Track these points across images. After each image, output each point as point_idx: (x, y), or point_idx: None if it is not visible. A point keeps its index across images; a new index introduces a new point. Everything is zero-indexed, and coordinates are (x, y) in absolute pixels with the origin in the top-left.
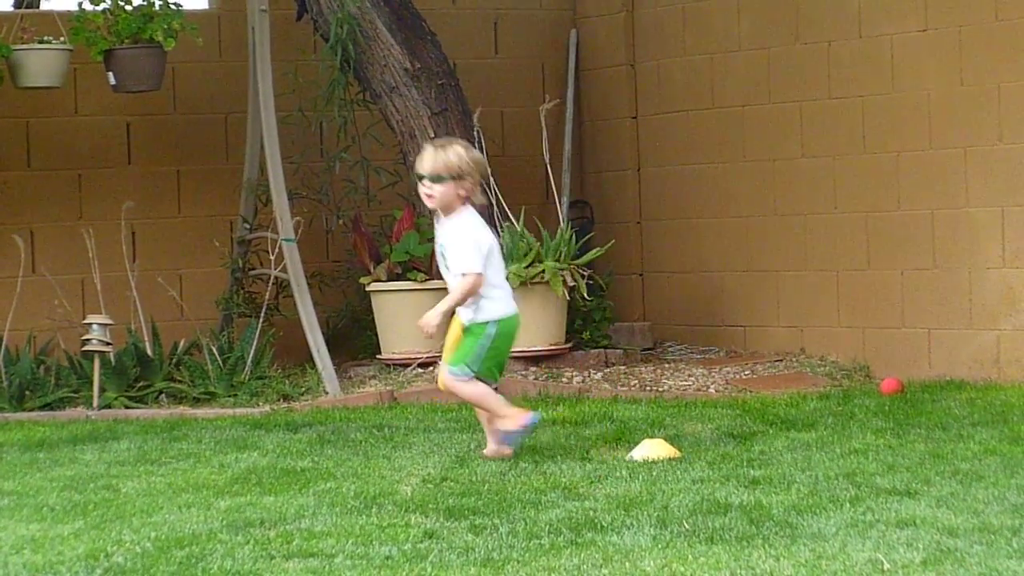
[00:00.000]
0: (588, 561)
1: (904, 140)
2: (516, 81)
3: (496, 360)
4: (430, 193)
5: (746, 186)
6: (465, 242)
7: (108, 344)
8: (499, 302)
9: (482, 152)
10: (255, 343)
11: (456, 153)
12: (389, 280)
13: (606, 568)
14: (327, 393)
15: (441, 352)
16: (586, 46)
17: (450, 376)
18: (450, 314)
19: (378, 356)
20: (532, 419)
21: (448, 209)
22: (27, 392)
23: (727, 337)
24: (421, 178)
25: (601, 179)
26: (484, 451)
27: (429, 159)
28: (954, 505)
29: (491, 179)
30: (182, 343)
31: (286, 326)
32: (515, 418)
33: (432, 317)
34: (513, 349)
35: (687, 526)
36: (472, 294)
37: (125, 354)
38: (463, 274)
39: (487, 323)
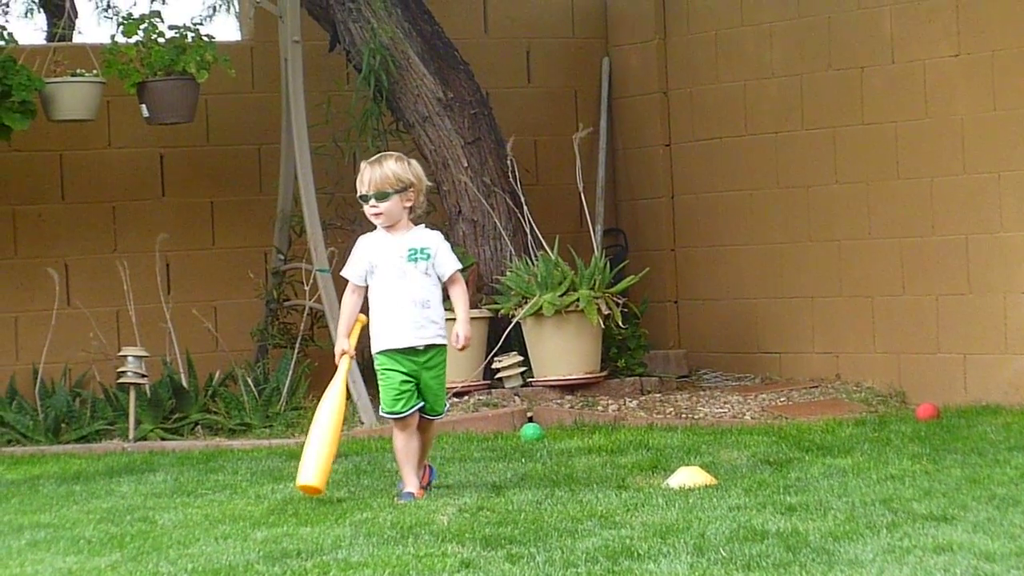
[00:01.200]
0: None
1: (938, 165)
2: (549, 110)
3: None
4: (379, 211)
5: (780, 212)
6: (443, 244)
7: (143, 376)
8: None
9: (516, 181)
10: (290, 374)
11: (392, 166)
12: None
13: None
14: (363, 423)
15: (475, 381)
16: (619, 74)
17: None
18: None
19: None
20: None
21: (396, 223)
22: (63, 424)
23: (762, 364)
24: (366, 199)
25: (635, 207)
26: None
27: (368, 177)
28: (991, 530)
29: (525, 208)
30: (217, 374)
31: (321, 357)
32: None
33: (466, 329)
34: (548, 377)
35: (724, 553)
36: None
37: (161, 386)
38: (459, 270)
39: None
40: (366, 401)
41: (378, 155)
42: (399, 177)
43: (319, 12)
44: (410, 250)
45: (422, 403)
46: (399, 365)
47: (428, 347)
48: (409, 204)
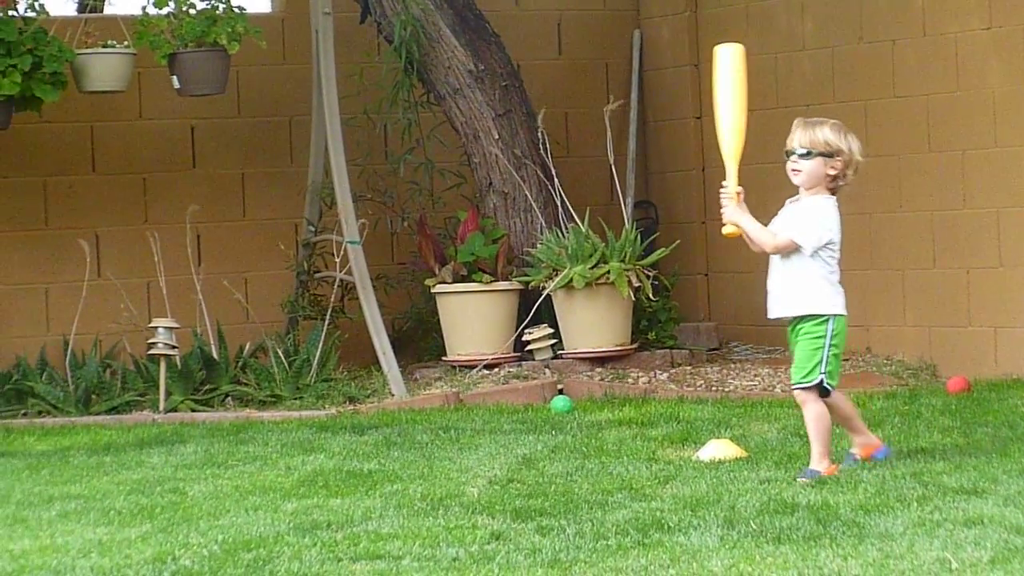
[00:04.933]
0: (655, 562)
1: (969, 139)
2: (580, 82)
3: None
4: (797, 168)
5: None
6: (811, 217)
7: (174, 347)
8: (840, 296)
9: (546, 153)
10: (320, 346)
11: (826, 131)
12: (454, 282)
13: (673, 569)
14: (393, 395)
15: (505, 353)
16: (650, 46)
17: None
18: (740, 222)
19: (443, 358)
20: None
21: (811, 188)
22: (93, 396)
23: None
24: (790, 155)
25: (665, 179)
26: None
27: (798, 134)
28: (1021, 503)
29: (555, 180)
30: (248, 346)
31: (351, 328)
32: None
33: (733, 210)
34: (578, 349)
35: (754, 526)
36: (777, 251)
37: (191, 357)
38: (789, 238)
39: (828, 318)
40: (396, 372)
41: (816, 118)
42: (828, 142)
43: None
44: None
45: None
46: None
47: None
48: (833, 172)
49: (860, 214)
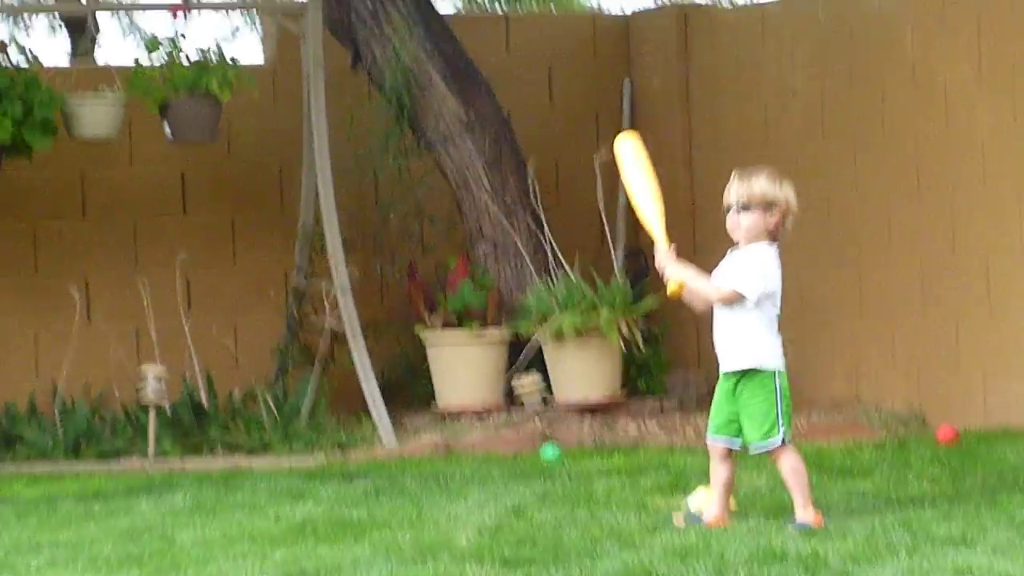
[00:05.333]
0: None
1: (958, 183)
2: (570, 130)
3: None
4: (737, 222)
5: (800, 231)
6: (753, 268)
7: (163, 394)
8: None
9: (537, 201)
10: (310, 393)
11: (762, 182)
12: (444, 329)
13: None
14: (382, 443)
15: (495, 402)
16: (640, 95)
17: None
18: (684, 278)
19: (433, 406)
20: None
21: (751, 240)
22: (82, 443)
23: None
24: (728, 208)
25: None
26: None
27: (736, 187)
28: (1010, 553)
29: (546, 228)
30: (237, 393)
31: (341, 376)
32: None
33: (674, 268)
34: (568, 398)
35: (743, 575)
36: (722, 302)
37: (180, 404)
38: (732, 288)
39: (774, 372)
40: (386, 420)
41: (752, 169)
42: (766, 193)
43: (341, 31)
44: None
45: None
46: None
47: None
48: (772, 223)
49: (849, 262)
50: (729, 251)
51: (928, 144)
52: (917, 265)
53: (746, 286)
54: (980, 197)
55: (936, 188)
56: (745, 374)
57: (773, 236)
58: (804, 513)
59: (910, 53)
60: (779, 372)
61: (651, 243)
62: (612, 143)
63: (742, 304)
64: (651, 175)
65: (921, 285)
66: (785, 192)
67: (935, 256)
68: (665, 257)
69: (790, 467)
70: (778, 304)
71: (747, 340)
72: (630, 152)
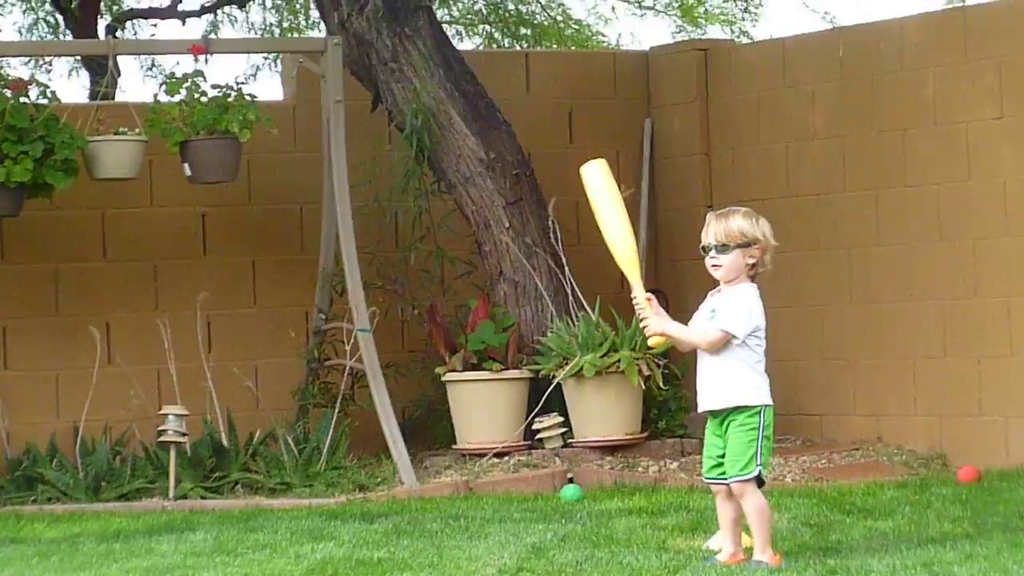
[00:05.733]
0: None
1: (980, 228)
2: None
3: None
4: (717, 263)
5: (822, 274)
6: (738, 306)
7: (184, 434)
8: (767, 386)
9: (557, 242)
10: (331, 433)
11: (738, 221)
12: (465, 370)
13: None
14: (403, 483)
15: (515, 442)
16: (661, 135)
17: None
18: (665, 330)
19: (454, 446)
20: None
21: (732, 279)
22: (103, 483)
23: (803, 426)
24: (707, 250)
25: (676, 267)
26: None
27: (712, 228)
28: None
29: (566, 268)
30: (258, 433)
31: (362, 416)
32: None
33: (655, 321)
34: (588, 438)
35: None
36: (712, 346)
37: (201, 445)
38: (721, 329)
39: (759, 409)
40: (407, 461)
41: (726, 208)
42: (744, 232)
43: (361, 72)
44: (711, 310)
45: None
46: None
47: None
48: (752, 261)
49: (870, 303)
50: (709, 294)
51: (950, 186)
52: (938, 306)
53: (734, 325)
54: (1002, 240)
55: (958, 230)
56: (732, 411)
57: (753, 274)
58: (763, 554)
59: (931, 96)
60: (765, 408)
61: (671, 283)
62: (630, 183)
63: (729, 344)
64: (621, 205)
65: (943, 326)
66: (762, 228)
67: (957, 298)
68: (644, 307)
69: (755, 507)
70: (763, 341)
71: (731, 379)
72: (599, 179)
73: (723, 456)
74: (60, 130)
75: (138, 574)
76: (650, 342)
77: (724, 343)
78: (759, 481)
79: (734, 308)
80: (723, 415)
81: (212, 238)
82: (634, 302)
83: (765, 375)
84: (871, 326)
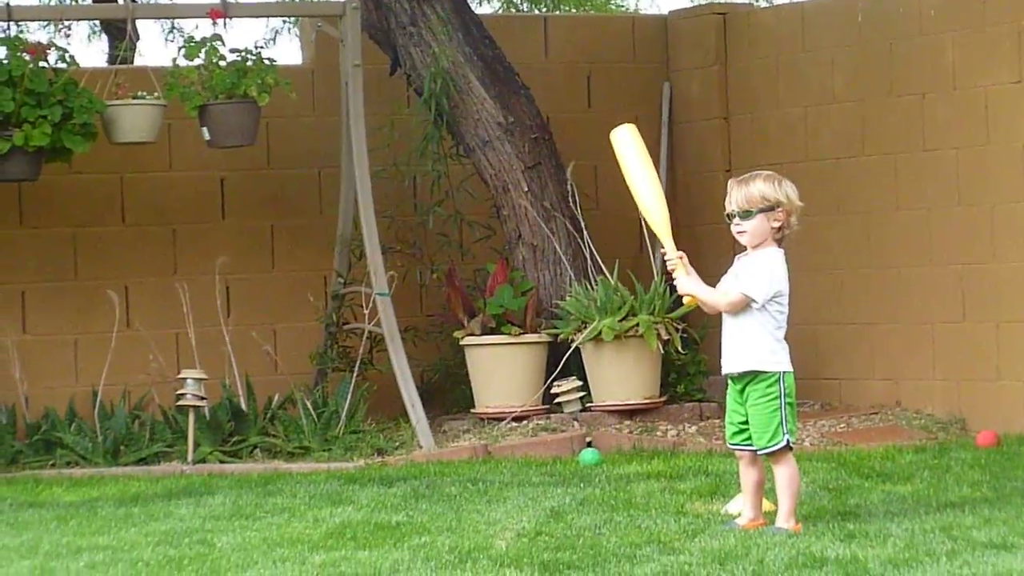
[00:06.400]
0: None
1: (999, 192)
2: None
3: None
4: (741, 230)
5: (840, 239)
6: (760, 270)
7: (202, 399)
8: (786, 352)
9: (576, 206)
10: (349, 397)
11: (760, 185)
12: (483, 334)
13: None
14: (421, 447)
15: (534, 406)
16: (679, 99)
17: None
18: (693, 291)
19: (472, 410)
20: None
21: (758, 244)
22: (122, 447)
23: (822, 390)
24: (731, 217)
25: (695, 232)
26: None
27: (734, 195)
28: None
29: (585, 232)
30: (276, 397)
31: (380, 380)
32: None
33: (684, 281)
34: (607, 402)
35: None
36: (732, 308)
37: (219, 409)
38: (741, 292)
39: (779, 376)
40: (425, 425)
41: (748, 174)
42: (766, 196)
43: (380, 36)
44: (735, 276)
45: None
46: None
47: None
48: (777, 224)
49: (888, 268)
50: (736, 257)
51: (968, 151)
52: (957, 271)
53: (754, 289)
54: (1020, 204)
55: (976, 194)
56: (753, 378)
57: (779, 238)
58: (787, 522)
59: (950, 61)
60: (784, 374)
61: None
62: (648, 147)
63: (749, 307)
64: (651, 168)
65: (961, 291)
66: (785, 190)
67: (975, 261)
68: (676, 265)
69: (788, 475)
70: (785, 307)
71: (750, 343)
72: (629, 143)
73: (745, 423)
74: (79, 94)
75: (157, 538)
76: (684, 300)
77: (743, 306)
78: (788, 447)
79: (756, 272)
80: (743, 382)
81: (231, 202)
82: (666, 260)
83: (784, 342)
84: (889, 290)
